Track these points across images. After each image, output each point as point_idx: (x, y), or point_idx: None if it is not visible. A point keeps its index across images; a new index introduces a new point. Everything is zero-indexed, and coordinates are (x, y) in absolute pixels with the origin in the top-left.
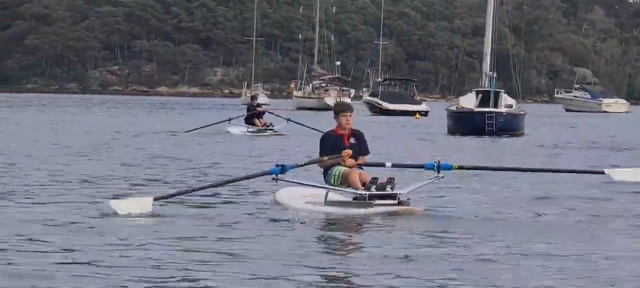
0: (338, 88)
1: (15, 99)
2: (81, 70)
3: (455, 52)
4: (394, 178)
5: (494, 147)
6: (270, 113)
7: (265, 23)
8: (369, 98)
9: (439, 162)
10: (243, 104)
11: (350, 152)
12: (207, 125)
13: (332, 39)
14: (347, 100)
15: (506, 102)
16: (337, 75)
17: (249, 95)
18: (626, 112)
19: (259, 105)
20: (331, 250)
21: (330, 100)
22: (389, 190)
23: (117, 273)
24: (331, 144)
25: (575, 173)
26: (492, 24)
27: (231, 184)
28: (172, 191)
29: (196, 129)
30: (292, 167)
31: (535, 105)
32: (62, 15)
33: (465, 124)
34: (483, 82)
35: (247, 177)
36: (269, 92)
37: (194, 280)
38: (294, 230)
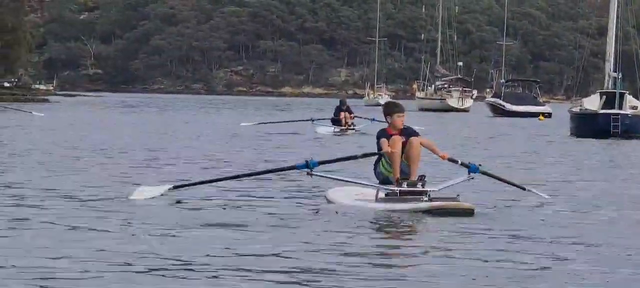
0: (460, 89)
1: (138, 99)
2: (206, 70)
3: (580, 53)
4: (424, 176)
5: (619, 150)
6: (357, 117)
7: (389, 23)
8: (491, 99)
9: (479, 164)
10: (366, 105)
11: (390, 149)
12: (281, 122)
13: (455, 39)
14: (467, 101)
15: (631, 104)
16: (459, 76)
17: (372, 96)
18: None
19: (346, 107)
20: (375, 245)
21: (452, 102)
22: (419, 187)
23: (161, 264)
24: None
25: None
26: (616, 24)
27: (259, 176)
28: (192, 180)
29: (268, 122)
30: (319, 163)
31: None
32: (187, 16)
33: (588, 126)
34: (607, 83)
35: (273, 171)
36: (392, 93)
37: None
38: (341, 227)
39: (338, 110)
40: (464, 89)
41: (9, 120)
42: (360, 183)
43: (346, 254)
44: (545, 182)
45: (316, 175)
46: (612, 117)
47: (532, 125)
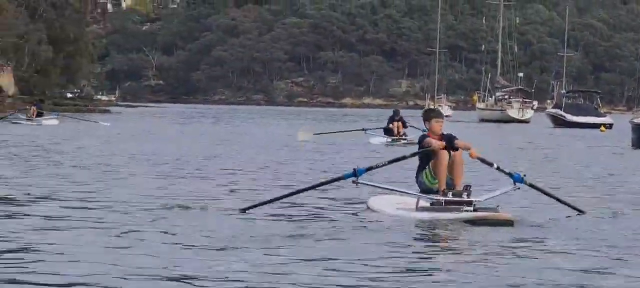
0: (521, 100)
1: (198, 110)
2: (267, 81)
3: None
4: (470, 186)
5: None
6: (412, 127)
7: (450, 34)
8: (552, 110)
9: (524, 175)
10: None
11: (442, 143)
12: (337, 132)
13: (516, 50)
14: (528, 111)
15: None
16: (520, 87)
17: (432, 105)
18: None
19: (400, 117)
20: (420, 255)
21: (513, 113)
22: (465, 197)
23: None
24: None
25: None
26: None
27: (310, 191)
28: (256, 201)
29: (325, 133)
30: (367, 169)
31: None
32: (249, 27)
33: None
34: None
35: (323, 183)
36: (453, 104)
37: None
38: (384, 235)
39: (391, 119)
40: (525, 99)
41: (77, 130)
42: (406, 193)
43: (387, 266)
44: (606, 195)
45: (362, 183)
46: None
47: (593, 137)
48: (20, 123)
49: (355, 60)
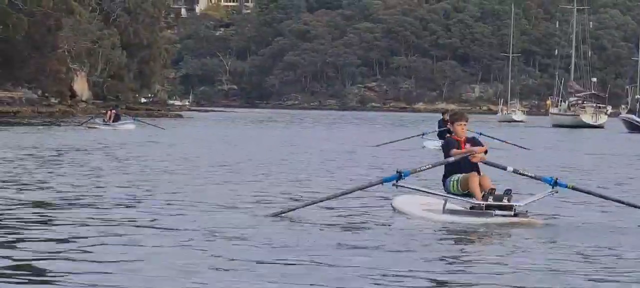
0: (595, 105)
1: (269, 114)
2: (340, 86)
3: None
4: (511, 190)
5: None
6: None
7: (524, 39)
8: (625, 115)
9: (556, 178)
10: (499, 121)
11: (484, 148)
12: (401, 139)
13: (590, 54)
14: (602, 116)
15: None
16: (593, 92)
17: (505, 112)
18: None
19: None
20: (447, 259)
21: (586, 118)
22: (505, 202)
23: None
24: (451, 147)
25: None
26: None
27: (349, 194)
28: (291, 206)
29: (387, 143)
30: (411, 173)
31: None
32: (321, 32)
33: None
34: None
35: (364, 187)
36: (526, 109)
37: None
38: (409, 238)
39: (442, 125)
40: (598, 105)
41: (150, 134)
42: (442, 196)
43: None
44: None
45: (402, 187)
46: None
47: None
48: (97, 127)
49: (428, 65)
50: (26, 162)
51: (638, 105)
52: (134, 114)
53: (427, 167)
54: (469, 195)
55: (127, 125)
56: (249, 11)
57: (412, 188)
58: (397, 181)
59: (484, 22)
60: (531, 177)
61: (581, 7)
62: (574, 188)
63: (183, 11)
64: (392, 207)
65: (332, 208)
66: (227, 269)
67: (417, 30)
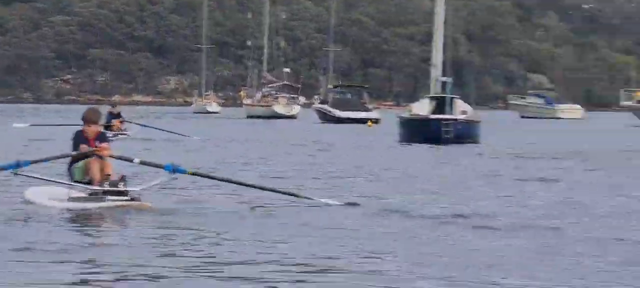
0: (287, 96)
1: None
2: (35, 79)
3: (409, 59)
4: (125, 176)
5: (455, 155)
6: (127, 121)
7: (218, 30)
8: (319, 105)
9: (175, 165)
10: (194, 112)
11: (108, 144)
12: (54, 125)
13: (282, 45)
14: (294, 107)
15: (461, 109)
16: (286, 83)
17: (200, 103)
18: (581, 118)
19: (118, 113)
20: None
21: (279, 108)
22: (121, 187)
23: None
24: (80, 142)
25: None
26: (441, 29)
27: None
28: None
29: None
30: (32, 163)
31: (490, 111)
32: (15, 25)
33: (419, 132)
34: (435, 88)
35: None
36: (222, 101)
37: None
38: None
39: (110, 117)
40: (291, 95)
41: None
42: (65, 184)
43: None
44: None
45: (23, 175)
46: (443, 122)
47: (360, 132)
48: None
49: (123, 57)
50: None
51: (331, 95)
52: None
53: (49, 158)
54: (91, 182)
55: None
56: None
57: (36, 177)
58: (15, 169)
59: (179, 14)
60: (155, 165)
61: None
62: (194, 174)
63: None
64: (25, 198)
65: None
66: None
67: (111, 22)
